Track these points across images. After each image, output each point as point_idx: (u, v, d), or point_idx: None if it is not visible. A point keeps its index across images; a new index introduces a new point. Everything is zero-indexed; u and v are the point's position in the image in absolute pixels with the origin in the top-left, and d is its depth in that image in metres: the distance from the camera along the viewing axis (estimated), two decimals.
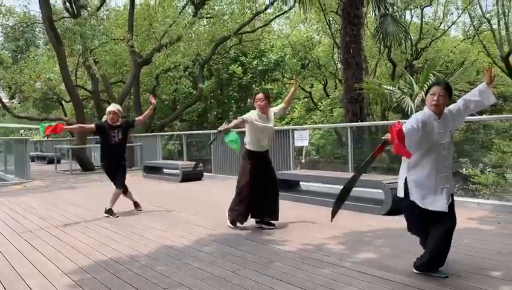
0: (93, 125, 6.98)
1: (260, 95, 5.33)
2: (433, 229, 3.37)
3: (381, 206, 5.96)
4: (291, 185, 7.70)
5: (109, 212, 6.46)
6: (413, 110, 8.06)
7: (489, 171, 12.89)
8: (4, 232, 5.61)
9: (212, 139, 7.65)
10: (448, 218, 3.35)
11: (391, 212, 5.76)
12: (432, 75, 8.67)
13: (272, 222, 5.36)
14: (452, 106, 3.44)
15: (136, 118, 7.09)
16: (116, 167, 6.72)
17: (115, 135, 6.62)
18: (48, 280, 3.67)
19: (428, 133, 3.29)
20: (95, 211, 6.87)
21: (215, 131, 5.89)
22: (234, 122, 5.32)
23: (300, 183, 7.91)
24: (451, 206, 3.39)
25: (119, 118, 6.73)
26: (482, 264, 3.66)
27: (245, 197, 5.29)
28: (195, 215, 6.32)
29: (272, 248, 4.44)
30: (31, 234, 5.45)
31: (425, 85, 8.37)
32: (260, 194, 5.29)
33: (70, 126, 7.79)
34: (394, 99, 8.89)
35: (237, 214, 5.35)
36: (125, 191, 6.86)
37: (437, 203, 3.32)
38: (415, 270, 3.48)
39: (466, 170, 12.97)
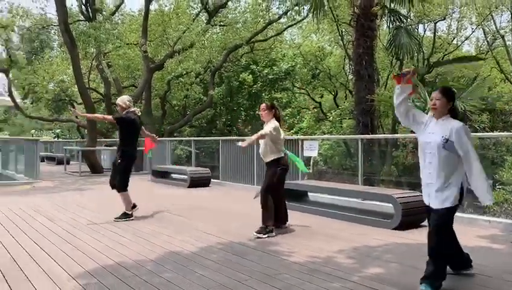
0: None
1: (262, 105, 5.67)
2: None
3: (390, 220, 5.90)
4: (299, 195, 7.66)
5: (125, 216, 6.49)
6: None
7: (499, 188, 12.72)
8: (12, 232, 5.63)
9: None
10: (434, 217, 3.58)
11: (400, 226, 5.70)
12: None
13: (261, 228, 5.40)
14: (460, 138, 3.39)
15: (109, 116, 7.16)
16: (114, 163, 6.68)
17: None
18: (54, 282, 3.67)
19: (422, 131, 3.62)
20: (103, 214, 6.89)
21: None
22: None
23: (309, 194, 7.86)
24: (444, 209, 3.48)
25: (124, 110, 6.61)
26: (493, 285, 3.59)
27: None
28: (203, 222, 6.29)
29: (279, 258, 4.40)
30: (38, 235, 5.47)
31: None
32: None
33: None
34: None
35: None
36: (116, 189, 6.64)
37: (425, 198, 3.63)
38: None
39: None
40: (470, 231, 5.64)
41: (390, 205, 6.00)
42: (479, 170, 3.37)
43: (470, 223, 6.18)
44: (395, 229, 5.74)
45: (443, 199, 3.45)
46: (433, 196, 3.50)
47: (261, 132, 5.45)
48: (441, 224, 3.50)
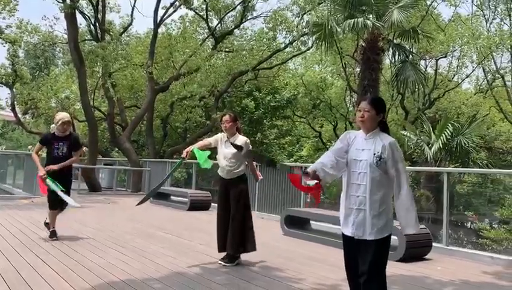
0: (38, 144, 6.29)
1: (226, 117, 5.29)
2: None
3: (394, 252, 5.86)
4: (301, 223, 7.63)
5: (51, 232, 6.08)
6: (431, 157, 8.08)
7: (496, 225, 12.72)
8: (14, 244, 5.57)
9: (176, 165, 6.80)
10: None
11: (404, 258, 5.68)
12: (449, 125, 8.72)
13: (228, 257, 5.09)
14: (392, 155, 2.95)
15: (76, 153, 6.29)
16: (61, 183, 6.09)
17: (59, 147, 5.98)
18: None
19: (349, 149, 3.08)
20: (103, 231, 6.84)
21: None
22: (200, 143, 5.50)
23: (311, 221, 7.83)
24: (382, 240, 2.94)
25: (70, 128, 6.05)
26: None
27: (216, 227, 5.23)
28: (205, 245, 6.23)
29: (286, 285, 4.36)
30: (40, 248, 5.42)
31: (443, 134, 8.41)
32: (224, 226, 5.15)
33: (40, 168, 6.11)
34: (411, 145, 8.88)
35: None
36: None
37: (344, 228, 3.05)
38: None
39: (475, 223, 12.85)
40: (473, 266, 5.64)
41: (395, 237, 5.98)
42: (408, 193, 2.94)
43: (472, 258, 6.16)
44: (399, 261, 5.71)
45: (380, 227, 2.92)
46: (366, 225, 2.92)
47: (247, 156, 5.28)
48: (381, 259, 2.96)
